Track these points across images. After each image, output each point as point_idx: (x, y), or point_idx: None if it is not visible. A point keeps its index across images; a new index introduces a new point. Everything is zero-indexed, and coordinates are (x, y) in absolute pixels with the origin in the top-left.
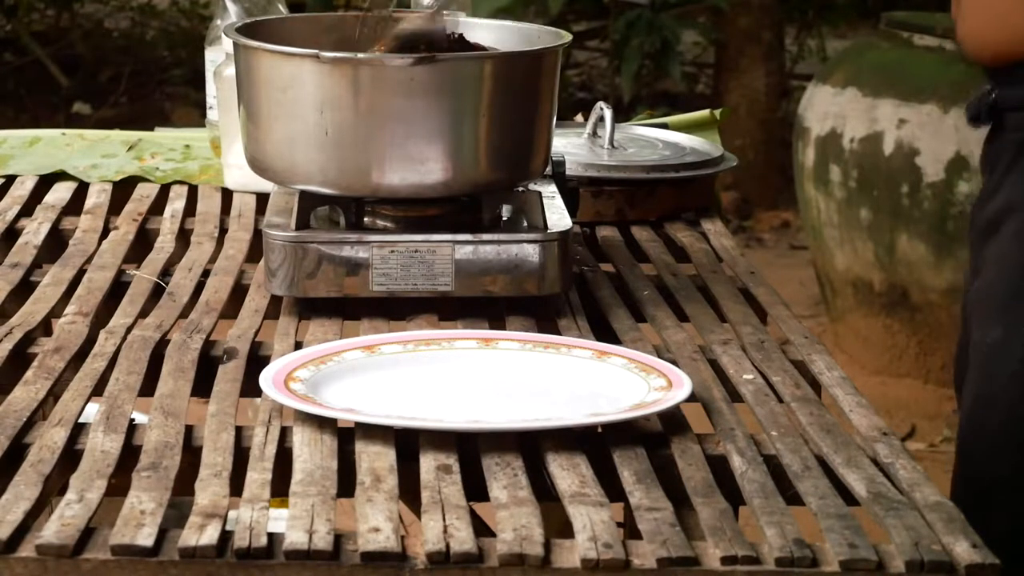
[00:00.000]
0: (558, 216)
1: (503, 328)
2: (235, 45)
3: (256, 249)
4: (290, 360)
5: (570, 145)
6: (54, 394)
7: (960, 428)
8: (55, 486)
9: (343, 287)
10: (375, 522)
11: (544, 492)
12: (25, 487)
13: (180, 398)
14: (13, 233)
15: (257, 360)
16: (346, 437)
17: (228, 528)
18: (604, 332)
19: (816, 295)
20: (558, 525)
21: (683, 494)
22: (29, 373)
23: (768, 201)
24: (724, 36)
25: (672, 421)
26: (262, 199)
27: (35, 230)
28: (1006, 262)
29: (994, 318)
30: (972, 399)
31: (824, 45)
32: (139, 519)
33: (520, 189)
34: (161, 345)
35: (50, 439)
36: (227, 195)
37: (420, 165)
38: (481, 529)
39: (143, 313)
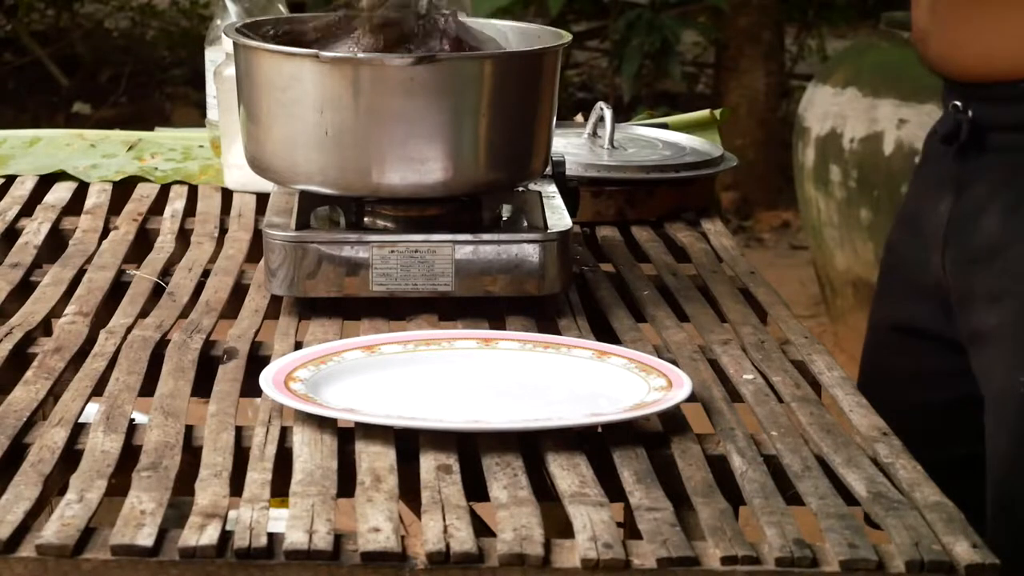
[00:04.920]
0: (558, 216)
1: (503, 328)
2: (235, 45)
3: (256, 249)
4: (290, 360)
5: (570, 145)
6: (54, 394)
7: (994, 478)
8: (55, 486)
9: (343, 287)
10: (375, 522)
11: (544, 492)
12: (25, 487)
13: (180, 398)
14: (13, 233)
15: (257, 360)
16: (346, 437)
17: (228, 528)
18: (604, 332)
19: (816, 295)
20: (558, 525)
21: (683, 494)
22: (29, 373)
23: (768, 201)
24: (724, 36)
25: (672, 421)
26: (262, 199)
27: (35, 230)
28: (1018, 303)
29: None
30: (1012, 445)
31: (824, 45)
32: (139, 519)
33: (520, 189)
34: (161, 345)
35: (50, 439)
36: (227, 195)
37: (420, 165)
38: (481, 529)
39: (143, 313)
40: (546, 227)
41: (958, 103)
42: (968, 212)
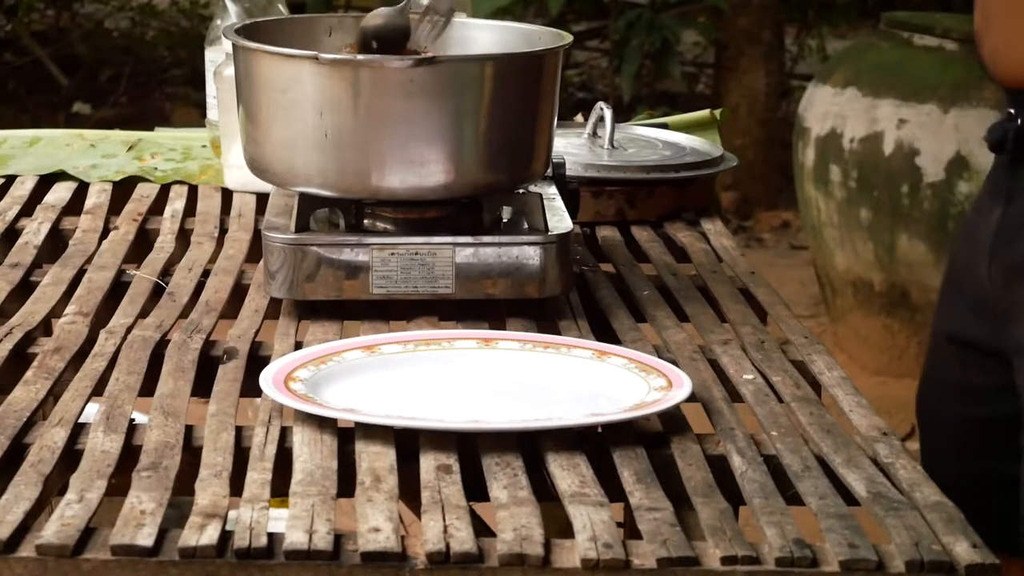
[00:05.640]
0: (559, 218)
1: (503, 328)
2: (234, 46)
3: (256, 249)
4: (290, 360)
5: (570, 145)
6: (54, 394)
7: None
8: (55, 486)
9: (343, 290)
10: (375, 522)
11: (544, 492)
12: (25, 487)
13: (180, 398)
14: (13, 233)
15: (257, 360)
16: (346, 437)
17: (228, 528)
18: (604, 332)
19: (816, 295)
20: (558, 525)
21: (683, 494)
22: (29, 373)
23: (768, 201)
24: (724, 36)
25: (672, 421)
26: (262, 199)
27: (35, 230)
28: None
29: None
30: None
31: (824, 45)
32: (139, 519)
33: (521, 191)
34: (161, 345)
35: (50, 439)
36: (227, 195)
37: (420, 167)
38: (481, 529)
39: (143, 313)
40: (547, 229)
41: (1012, 110)
42: (1014, 223)
